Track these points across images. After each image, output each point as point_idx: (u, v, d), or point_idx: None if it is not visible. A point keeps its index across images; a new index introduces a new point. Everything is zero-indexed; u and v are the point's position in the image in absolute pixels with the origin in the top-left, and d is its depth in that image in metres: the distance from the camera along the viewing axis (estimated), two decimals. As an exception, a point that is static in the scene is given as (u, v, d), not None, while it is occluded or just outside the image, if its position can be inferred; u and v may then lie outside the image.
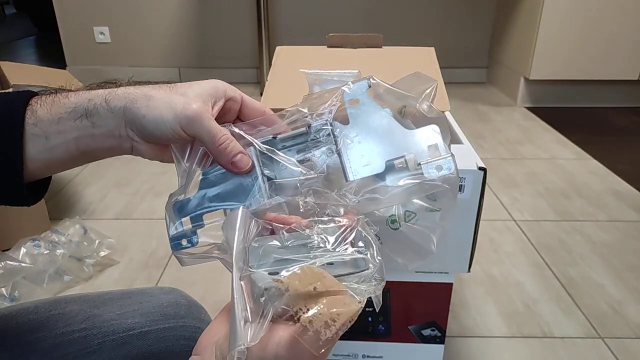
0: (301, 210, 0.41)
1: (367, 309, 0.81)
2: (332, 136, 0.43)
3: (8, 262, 1.09)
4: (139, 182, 1.66)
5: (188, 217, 0.42)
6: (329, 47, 0.94)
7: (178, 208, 0.42)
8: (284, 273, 0.33)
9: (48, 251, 1.14)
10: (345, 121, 0.43)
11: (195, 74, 2.80)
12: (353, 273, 0.35)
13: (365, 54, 0.92)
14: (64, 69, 2.74)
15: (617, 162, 1.80)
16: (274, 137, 0.43)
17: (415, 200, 0.44)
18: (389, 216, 0.44)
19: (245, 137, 0.43)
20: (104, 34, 2.77)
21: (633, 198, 1.56)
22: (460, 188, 0.62)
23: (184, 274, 1.20)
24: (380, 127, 0.43)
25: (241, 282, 0.33)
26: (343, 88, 0.44)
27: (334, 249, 0.36)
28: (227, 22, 2.75)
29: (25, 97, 0.40)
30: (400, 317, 0.77)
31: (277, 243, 0.36)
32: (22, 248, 1.13)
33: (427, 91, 0.45)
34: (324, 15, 2.72)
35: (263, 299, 0.32)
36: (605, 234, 1.36)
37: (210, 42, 2.79)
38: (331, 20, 2.72)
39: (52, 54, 3.20)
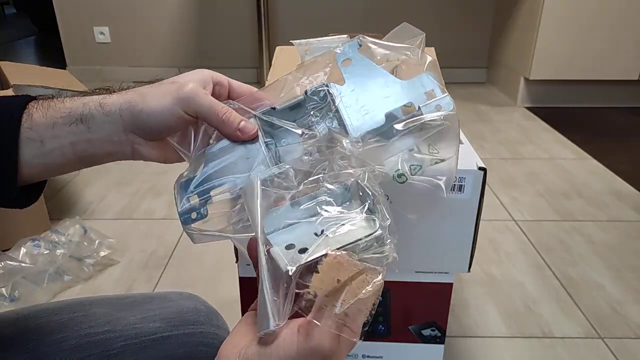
0: (308, 165, 0.41)
1: (367, 309, 0.80)
2: (328, 96, 0.44)
3: (8, 262, 1.09)
4: (139, 182, 1.66)
5: (195, 194, 0.42)
6: None
7: (184, 185, 0.42)
8: (303, 260, 0.32)
9: (48, 251, 1.14)
10: (341, 82, 0.44)
11: (195, 74, 2.80)
12: (365, 239, 0.34)
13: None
14: (64, 69, 2.74)
15: (617, 162, 1.80)
16: (273, 108, 0.44)
17: (418, 155, 0.44)
18: (395, 171, 0.44)
19: (244, 109, 0.43)
20: (104, 34, 2.77)
21: (633, 198, 1.56)
22: (461, 188, 0.62)
23: (184, 275, 1.20)
24: (376, 81, 0.44)
25: (265, 259, 0.33)
26: (335, 50, 0.44)
27: (343, 209, 0.36)
28: (227, 22, 2.75)
29: (23, 101, 0.40)
30: (400, 317, 0.77)
31: (289, 206, 0.37)
32: (22, 248, 1.13)
33: (418, 42, 0.46)
34: (324, 15, 2.72)
35: (285, 284, 0.32)
36: (605, 234, 1.36)
37: (210, 42, 2.79)
38: (331, 20, 2.72)
39: (52, 54, 3.20)
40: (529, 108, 2.42)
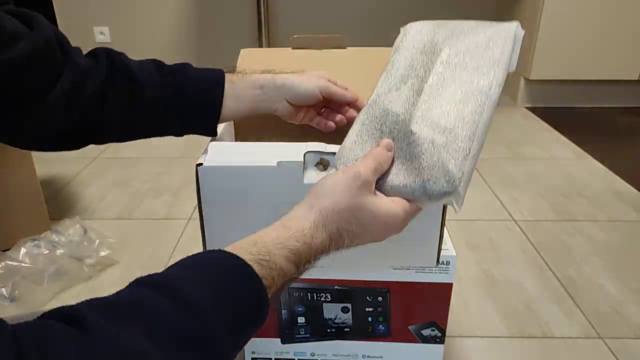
0: None
1: (367, 309, 0.81)
2: None
3: (8, 262, 1.09)
4: (139, 182, 1.66)
5: None
6: (293, 49, 0.93)
7: None
8: None
9: (48, 251, 1.14)
10: None
11: (195, 74, 2.80)
12: None
13: (329, 55, 0.92)
14: (64, 69, 2.74)
15: (617, 162, 1.80)
16: None
17: None
18: None
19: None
20: (104, 34, 2.77)
21: (633, 198, 1.56)
22: None
23: (184, 274, 1.20)
24: None
25: None
26: None
27: None
28: (227, 22, 2.75)
29: (223, 72, 0.68)
30: (400, 317, 0.77)
31: None
32: (22, 248, 1.13)
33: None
34: (324, 15, 2.72)
35: None
36: (605, 234, 1.36)
37: (210, 42, 2.79)
38: (331, 20, 2.72)
39: (52, 54, 3.20)
40: (529, 108, 2.42)
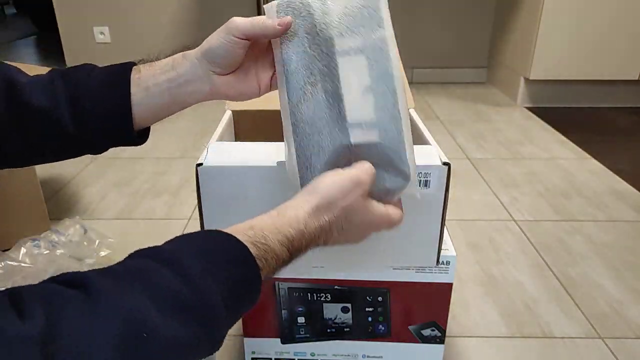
0: None
1: (367, 309, 0.81)
2: None
3: (8, 262, 1.09)
4: (139, 182, 1.66)
5: None
6: None
7: None
8: None
9: (48, 251, 1.14)
10: None
11: (195, 74, 2.80)
12: None
13: None
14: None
15: (617, 162, 1.80)
16: None
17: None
18: None
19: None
20: (104, 34, 2.77)
21: (633, 198, 1.56)
22: (426, 183, 0.65)
23: (184, 274, 1.20)
24: None
25: None
26: None
27: None
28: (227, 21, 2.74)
29: (131, 65, 0.56)
30: (400, 317, 0.77)
31: None
32: (22, 248, 1.13)
33: None
34: (324, 15, 2.72)
35: None
36: (605, 234, 1.36)
37: (210, 42, 2.79)
38: (331, 20, 2.71)
39: (52, 54, 3.20)
40: (529, 108, 2.42)
